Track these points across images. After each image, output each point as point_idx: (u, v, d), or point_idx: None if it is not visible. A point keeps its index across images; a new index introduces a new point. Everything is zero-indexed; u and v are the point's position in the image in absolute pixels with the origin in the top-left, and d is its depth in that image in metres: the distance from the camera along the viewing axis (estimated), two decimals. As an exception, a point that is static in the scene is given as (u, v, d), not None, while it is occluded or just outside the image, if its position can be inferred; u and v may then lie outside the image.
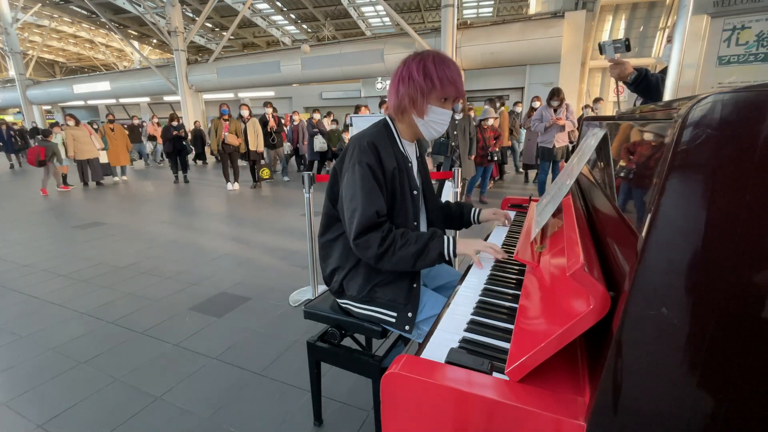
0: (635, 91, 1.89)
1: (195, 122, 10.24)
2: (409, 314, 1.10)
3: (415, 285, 1.13)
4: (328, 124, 7.83)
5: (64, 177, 7.06)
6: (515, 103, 7.79)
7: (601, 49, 1.86)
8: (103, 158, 7.57)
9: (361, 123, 3.44)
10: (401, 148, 1.15)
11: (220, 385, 1.68)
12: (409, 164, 1.17)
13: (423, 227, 1.26)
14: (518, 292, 0.91)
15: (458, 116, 4.85)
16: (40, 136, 7.07)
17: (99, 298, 2.57)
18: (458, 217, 1.39)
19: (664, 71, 1.88)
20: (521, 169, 7.61)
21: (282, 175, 8.07)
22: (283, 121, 8.18)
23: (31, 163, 6.62)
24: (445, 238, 1.06)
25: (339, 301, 1.23)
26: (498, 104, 5.83)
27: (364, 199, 1.03)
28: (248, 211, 5.17)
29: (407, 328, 1.09)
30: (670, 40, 1.83)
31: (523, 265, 1.05)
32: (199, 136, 9.18)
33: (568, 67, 8.54)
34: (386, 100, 6.84)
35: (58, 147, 6.84)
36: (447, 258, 1.05)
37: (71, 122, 7.13)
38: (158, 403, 1.58)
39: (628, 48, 1.79)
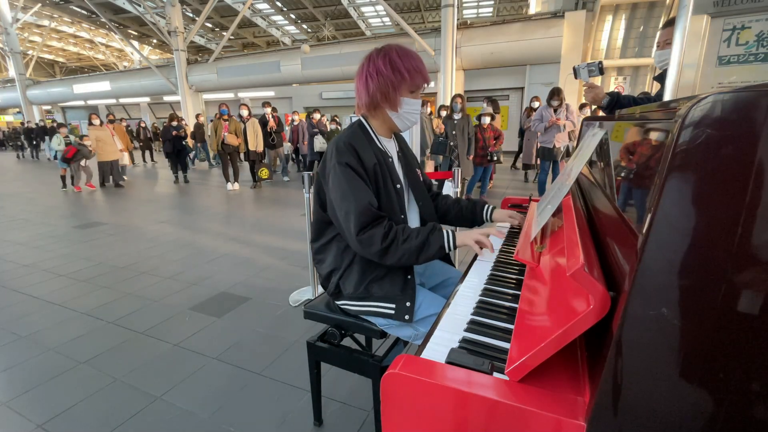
0: (610, 114, 1.92)
1: (197, 116, 10.00)
2: (408, 303, 1.10)
3: (409, 277, 1.14)
4: (326, 123, 7.83)
5: (64, 178, 7.01)
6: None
7: (576, 72, 1.88)
8: (125, 160, 7.41)
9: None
10: (379, 145, 1.16)
11: (220, 385, 1.68)
12: (389, 159, 1.17)
13: (414, 221, 1.26)
14: (518, 292, 0.91)
15: (457, 116, 4.85)
16: (73, 137, 6.94)
17: (99, 298, 2.57)
18: (470, 214, 1.39)
19: (662, 75, 1.89)
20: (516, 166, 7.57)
21: (282, 175, 8.07)
22: (283, 121, 8.17)
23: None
24: (445, 231, 1.08)
25: (337, 303, 1.23)
26: (492, 108, 5.83)
27: (354, 196, 1.04)
28: (248, 211, 5.17)
29: (407, 317, 1.10)
30: (660, 45, 1.84)
31: (523, 265, 1.05)
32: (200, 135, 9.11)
33: (568, 67, 8.54)
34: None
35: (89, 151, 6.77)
36: (447, 251, 1.07)
37: (96, 121, 6.91)
38: (158, 403, 1.58)
39: (601, 71, 1.82)
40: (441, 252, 1.06)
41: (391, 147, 1.23)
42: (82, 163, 6.85)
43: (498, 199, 5.35)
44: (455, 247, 1.08)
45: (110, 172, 7.15)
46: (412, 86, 1.11)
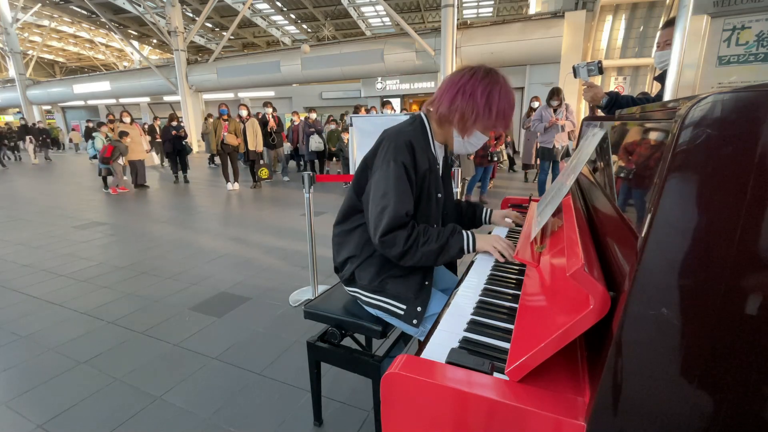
0: (609, 114, 1.93)
1: (209, 115, 9.71)
2: (419, 308, 1.10)
3: (427, 282, 1.13)
4: (319, 120, 7.79)
5: (105, 180, 6.74)
6: None
7: (575, 71, 1.87)
8: (150, 161, 7.13)
9: (362, 123, 3.43)
10: (433, 150, 1.14)
11: (220, 385, 1.68)
12: (437, 167, 1.16)
13: None
14: (518, 292, 0.91)
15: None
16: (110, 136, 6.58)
17: (99, 298, 2.57)
18: (470, 216, 1.40)
19: (662, 75, 1.89)
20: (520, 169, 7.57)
21: (282, 175, 8.07)
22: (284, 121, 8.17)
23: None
24: (465, 233, 1.08)
25: (348, 288, 1.23)
26: None
27: (397, 198, 1.02)
28: (248, 211, 5.17)
29: (415, 322, 1.09)
30: (659, 46, 1.84)
31: (523, 265, 1.05)
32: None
33: (568, 67, 8.54)
34: (389, 101, 6.78)
35: (126, 148, 6.49)
36: (467, 252, 1.09)
37: (126, 119, 6.66)
38: (158, 403, 1.58)
39: (600, 71, 1.81)
40: (460, 254, 1.07)
41: (440, 154, 1.21)
42: (120, 161, 6.57)
43: (498, 199, 5.34)
44: (475, 250, 1.09)
45: (139, 172, 6.88)
46: (491, 126, 1.07)
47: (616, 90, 1.96)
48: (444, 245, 1.05)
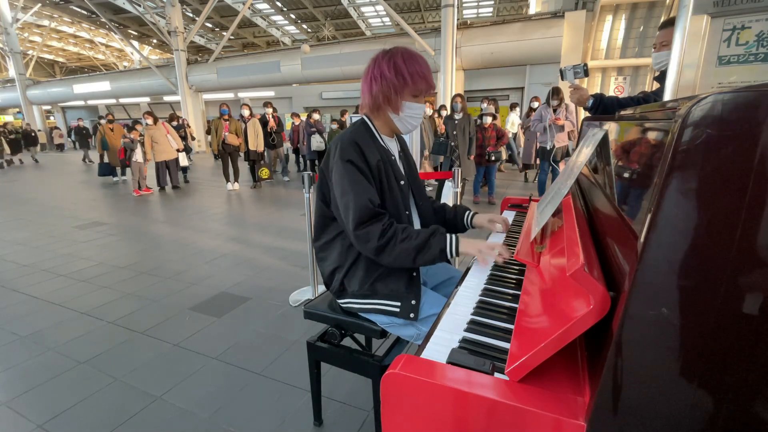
0: (595, 114, 1.96)
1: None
2: (413, 302, 1.11)
3: (415, 274, 1.14)
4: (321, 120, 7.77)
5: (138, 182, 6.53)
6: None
7: (562, 74, 1.94)
8: (183, 161, 6.90)
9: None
10: (382, 143, 1.18)
11: (220, 385, 1.68)
12: (392, 157, 1.20)
13: (415, 217, 1.27)
14: (518, 292, 0.91)
15: (458, 116, 4.85)
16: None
17: (99, 298, 2.57)
18: (452, 219, 1.37)
19: (662, 75, 1.89)
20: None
21: (282, 175, 8.07)
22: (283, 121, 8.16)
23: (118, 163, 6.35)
24: (448, 235, 1.07)
25: (340, 301, 1.23)
26: (493, 108, 5.80)
27: (354, 191, 1.06)
28: (248, 211, 5.17)
29: (412, 315, 1.10)
30: (656, 47, 1.85)
31: (523, 265, 1.05)
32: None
33: (568, 67, 8.53)
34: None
35: (137, 146, 6.22)
36: (449, 256, 1.05)
37: (149, 120, 6.32)
38: (158, 403, 1.58)
39: (586, 73, 1.89)
40: (442, 256, 1.05)
41: (393, 146, 1.24)
42: (138, 158, 6.29)
43: (498, 199, 5.35)
44: (457, 254, 1.06)
45: (167, 173, 6.63)
46: (415, 91, 1.11)
47: (603, 93, 1.99)
48: (423, 244, 1.03)
